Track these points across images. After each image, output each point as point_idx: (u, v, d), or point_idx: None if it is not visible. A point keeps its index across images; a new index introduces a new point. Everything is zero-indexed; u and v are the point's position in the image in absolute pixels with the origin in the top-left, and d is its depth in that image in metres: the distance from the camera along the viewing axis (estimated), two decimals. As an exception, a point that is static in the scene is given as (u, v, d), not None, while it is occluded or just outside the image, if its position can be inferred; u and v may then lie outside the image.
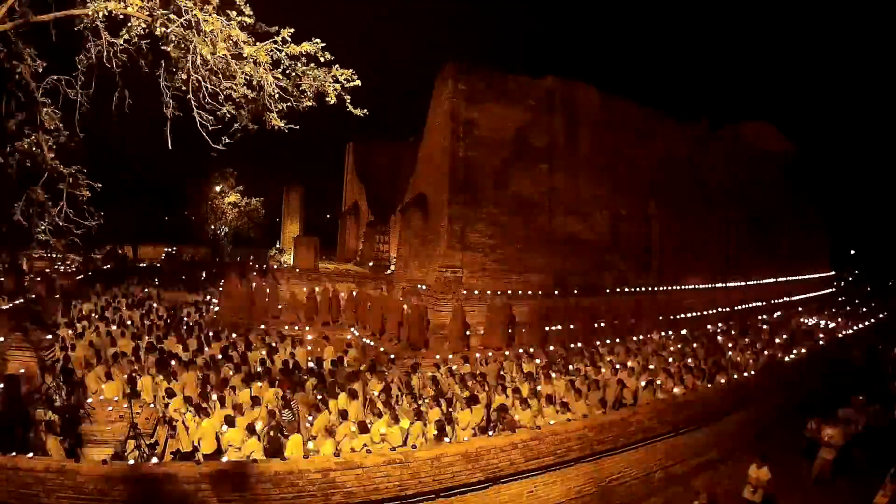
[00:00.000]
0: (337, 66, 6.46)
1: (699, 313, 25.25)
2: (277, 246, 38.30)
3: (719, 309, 26.51)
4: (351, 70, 6.48)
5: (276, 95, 6.35)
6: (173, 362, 12.92)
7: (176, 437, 10.13)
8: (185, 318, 20.36)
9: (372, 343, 18.32)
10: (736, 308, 27.49)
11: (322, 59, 6.33)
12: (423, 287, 20.39)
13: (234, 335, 16.95)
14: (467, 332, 18.47)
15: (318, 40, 6.26)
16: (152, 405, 11.36)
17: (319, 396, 11.16)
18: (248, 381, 11.78)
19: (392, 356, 16.09)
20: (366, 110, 6.70)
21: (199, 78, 6.02)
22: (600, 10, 77.40)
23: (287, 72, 6.39)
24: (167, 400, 10.73)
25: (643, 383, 13.32)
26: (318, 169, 46.07)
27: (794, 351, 18.32)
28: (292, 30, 6.17)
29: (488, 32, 71.27)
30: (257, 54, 6.08)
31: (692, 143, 27.05)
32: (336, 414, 10.73)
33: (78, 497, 7.06)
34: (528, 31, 73.29)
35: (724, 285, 28.10)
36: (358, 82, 6.51)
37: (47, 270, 27.40)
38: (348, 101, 6.59)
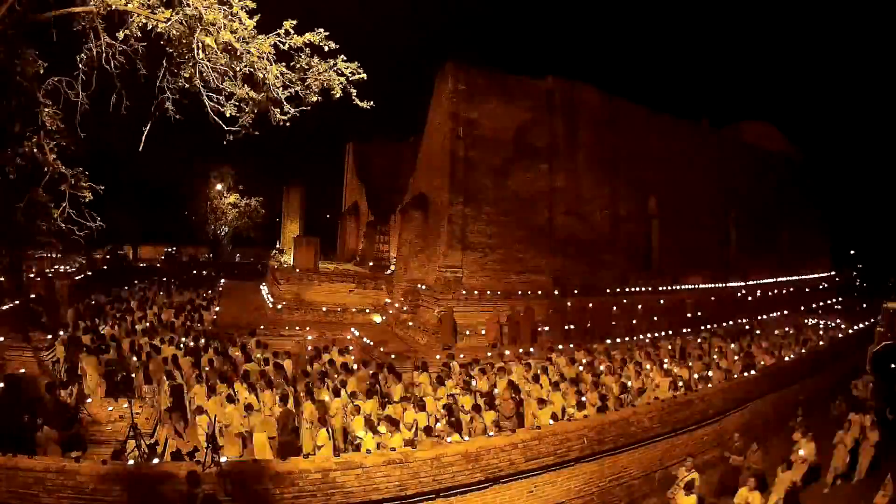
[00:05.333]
0: (343, 56, 6.43)
1: (699, 313, 25.24)
2: (278, 246, 38.30)
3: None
4: (356, 63, 6.46)
5: (280, 87, 6.33)
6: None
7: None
8: (185, 319, 20.34)
9: (372, 343, 18.32)
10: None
11: (326, 49, 6.29)
12: (423, 287, 20.39)
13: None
14: (467, 332, 18.49)
15: (322, 30, 6.22)
16: (152, 405, 11.38)
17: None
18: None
19: (393, 356, 16.11)
20: (372, 102, 6.67)
21: (205, 69, 5.99)
22: (600, 10, 77.37)
23: (292, 65, 6.37)
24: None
25: (643, 383, 13.33)
26: (318, 169, 45.95)
27: (794, 351, 18.34)
28: (295, 21, 6.15)
29: (488, 32, 71.25)
30: (260, 46, 6.06)
31: (692, 143, 27.04)
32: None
33: (78, 497, 7.06)
34: (528, 31, 73.25)
35: (724, 285, 28.09)
36: (363, 76, 6.49)
37: (47, 271, 27.41)
38: (354, 94, 6.58)
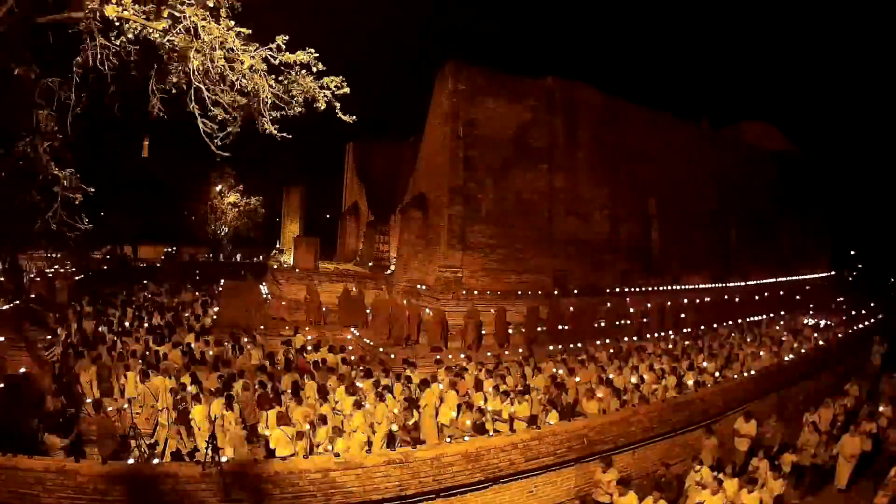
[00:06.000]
0: (332, 77, 6.47)
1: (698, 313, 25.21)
2: (278, 246, 38.27)
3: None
4: (341, 77, 6.49)
5: (270, 102, 6.35)
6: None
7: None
8: (186, 320, 20.36)
9: (372, 343, 18.32)
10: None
11: (315, 70, 6.33)
12: (423, 287, 20.39)
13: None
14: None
15: (312, 50, 6.27)
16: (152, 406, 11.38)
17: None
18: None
19: (392, 355, 16.11)
20: (354, 117, 6.72)
21: (198, 83, 6.02)
22: (600, 10, 77.34)
23: (281, 79, 6.41)
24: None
25: (642, 382, 13.32)
26: (318, 169, 45.88)
27: (794, 351, 18.33)
28: (286, 37, 6.17)
29: (488, 32, 71.24)
30: (254, 61, 6.07)
31: (692, 143, 27.03)
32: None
33: (78, 497, 7.07)
34: (528, 31, 73.28)
35: (723, 285, 28.08)
36: (346, 90, 6.52)
37: (47, 271, 27.41)
38: (338, 107, 6.62)
